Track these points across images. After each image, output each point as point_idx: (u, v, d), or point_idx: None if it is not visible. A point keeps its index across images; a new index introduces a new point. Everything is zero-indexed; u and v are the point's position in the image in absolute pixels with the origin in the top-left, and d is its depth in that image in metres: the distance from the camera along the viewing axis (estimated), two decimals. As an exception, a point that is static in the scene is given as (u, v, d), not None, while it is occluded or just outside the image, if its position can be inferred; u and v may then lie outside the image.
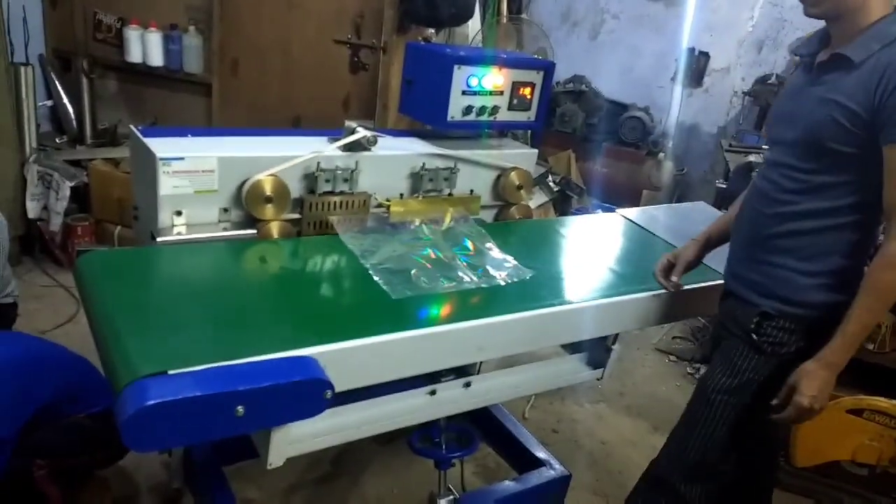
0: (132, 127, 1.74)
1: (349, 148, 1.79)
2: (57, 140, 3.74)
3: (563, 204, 4.04)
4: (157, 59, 3.66)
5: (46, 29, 3.75)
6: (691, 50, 4.10)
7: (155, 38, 3.62)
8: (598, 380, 2.03)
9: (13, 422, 1.59)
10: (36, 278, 3.29)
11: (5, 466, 1.55)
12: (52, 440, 1.71)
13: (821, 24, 1.46)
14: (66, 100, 3.77)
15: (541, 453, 2.07)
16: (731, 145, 3.41)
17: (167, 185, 1.58)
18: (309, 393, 1.19)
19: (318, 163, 1.73)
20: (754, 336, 1.51)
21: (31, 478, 1.68)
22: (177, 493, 2.14)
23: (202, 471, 1.91)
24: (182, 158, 1.58)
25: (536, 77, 2.02)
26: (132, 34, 3.61)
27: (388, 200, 1.85)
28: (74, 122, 3.79)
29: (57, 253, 3.41)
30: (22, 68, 3.25)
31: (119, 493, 2.06)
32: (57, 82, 3.75)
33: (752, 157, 2.91)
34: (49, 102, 3.77)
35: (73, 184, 3.31)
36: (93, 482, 1.96)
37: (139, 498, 2.13)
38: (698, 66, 4.12)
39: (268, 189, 1.66)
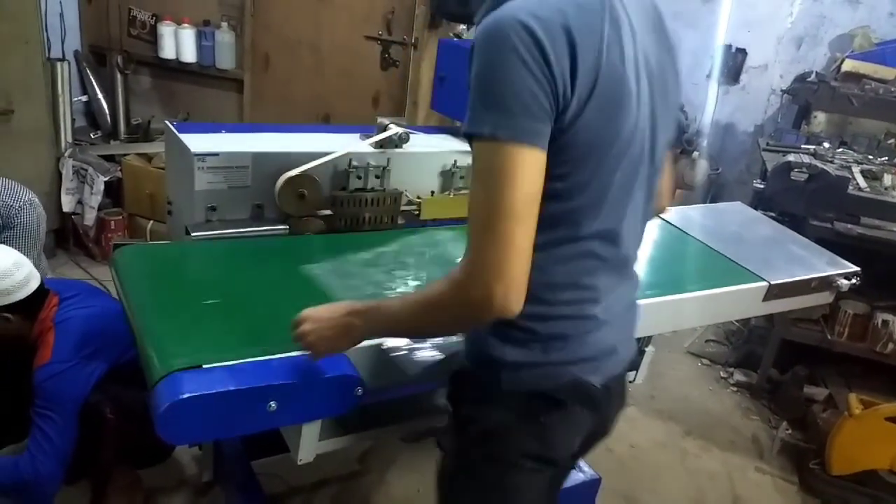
0: (167, 122, 1.75)
1: (381, 145, 1.78)
2: (91, 135, 3.80)
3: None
4: (189, 55, 3.70)
5: (82, 25, 3.81)
6: (728, 46, 4.02)
7: (188, 35, 3.65)
8: (630, 382, 1.99)
9: (111, 355, 1.71)
10: (70, 271, 3.34)
11: (90, 389, 1.68)
12: (127, 397, 1.74)
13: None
14: (100, 95, 3.82)
15: (569, 454, 2.04)
16: (768, 144, 3.33)
17: (202, 180, 1.59)
18: (340, 389, 1.19)
19: (350, 160, 1.72)
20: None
21: (101, 419, 1.74)
22: (207, 486, 2.16)
23: (231, 465, 1.92)
24: (216, 154, 1.59)
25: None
26: (166, 30, 3.65)
27: (419, 198, 1.84)
28: (108, 118, 3.84)
29: (91, 246, 3.46)
30: (58, 64, 3.30)
31: (150, 486, 2.09)
32: (92, 78, 3.81)
33: (790, 157, 2.84)
34: (84, 98, 3.83)
35: (106, 178, 3.35)
36: (125, 475, 1.98)
37: (170, 491, 2.15)
38: (735, 63, 4.03)
39: (300, 186, 1.66)
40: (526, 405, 1.04)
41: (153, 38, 3.73)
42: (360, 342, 1.14)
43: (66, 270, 3.35)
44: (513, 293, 0.90)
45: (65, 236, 3.51)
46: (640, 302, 1.59)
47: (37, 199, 2.29)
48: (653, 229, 2.11)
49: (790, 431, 2.79)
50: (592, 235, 1.01)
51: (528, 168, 0.89)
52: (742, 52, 4.05)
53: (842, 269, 1.94)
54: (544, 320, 1.01)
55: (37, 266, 2.27)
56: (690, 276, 1.79)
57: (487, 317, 0.93)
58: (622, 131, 0.96)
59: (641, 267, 1.82)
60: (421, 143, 1.88)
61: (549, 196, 0.94)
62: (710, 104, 4.12)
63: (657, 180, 1.12)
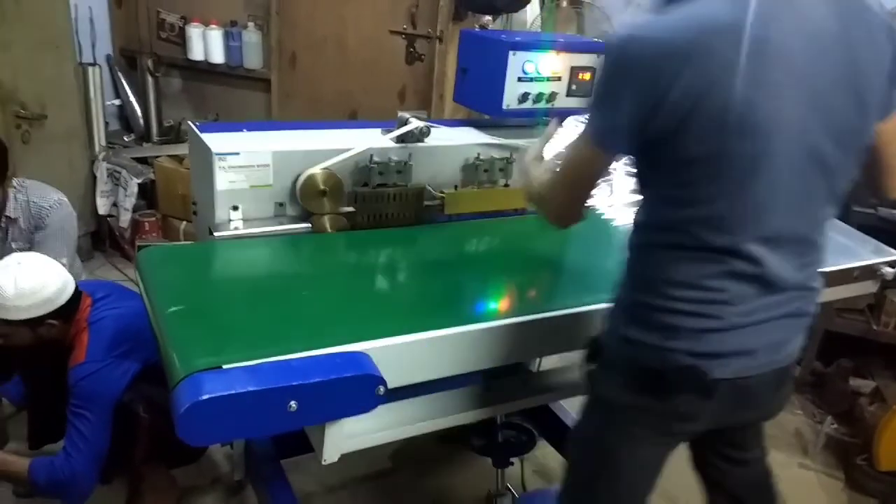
0: (190, 123, 1.75)
1: (402, 139, 1.75)
2: (125, 138, 3.87)
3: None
4: (218, 56, 3.73)
5: (113, 29, 3.87)
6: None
7: (216, 36, 3.68)
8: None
9: (143, 354, 1.73)
10: (106, 273, 3.41)
11: (123, 389, 1.71)
12: (160, 396, 1.76)
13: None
14: (132, 98, 3.88)
15: (603, 453, 1.99)
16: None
17: (223, 180, 1.58)
18: (361, 389, 1.17)
19: (372, 155, 1.70)
20: None
21: (135, 418, 1.76)
22: (239, 484, 2.17)
23: (261, 464, 1.93)
24: (237, 153, 1.58)
25: (597, 61, 1.94)
26: (194, 32, 3.68)
27: (442, 192, 1.81)
28: (141, 120, 3.90)
29: (126, 248, 3.53)
30: (90, 69, 3.36)
31: (184, 485, 2.11)
32: (124, 81, 3.87)
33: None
34: (117, 101, 3.90)
35: (140, 180, 3.41)
36: (159, 474, 2.01)
37: (203, 489, 2.17)
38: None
39: (321, 183, 1.64)
40: (641, 381, 1.16)
41: (182, 41, 3.77)
42: None
43: (102, 272, 3.41)
44: (556, 219, 1.26)
45: (101, 238, 3.58)
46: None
47: (66, 199, 2.32)
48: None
49: (835, 426, 2.69)
50: (719, 249, 1.07)
51: (589, 160, 1.13)
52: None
53: (887, 258, 1.86)
54: (661, 311, 1.12)
55: (71, 266, 2.32)
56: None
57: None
58: (742, 157, 1.01)
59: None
60: (443, 136, 1.84)
61: (665, 199, 1.10)
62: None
63: (823, 208, 1.15)
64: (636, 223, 1.18)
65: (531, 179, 1.33)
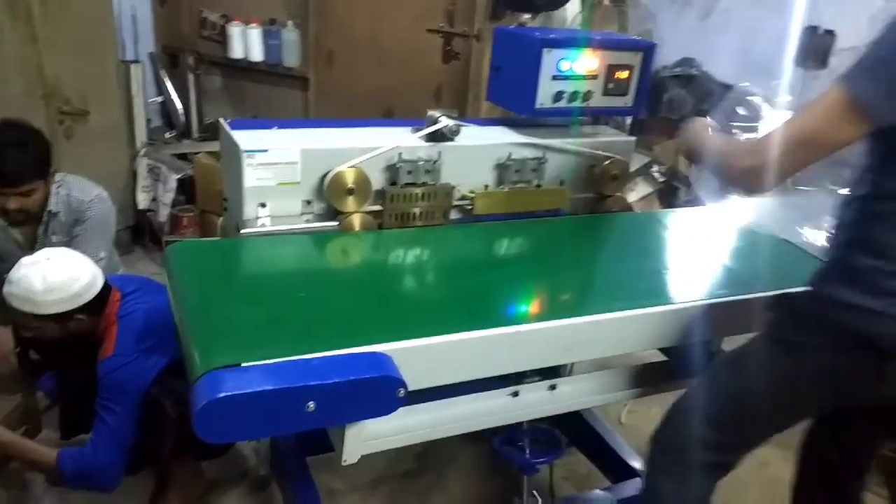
0: (221, 120, 1.76)
1: (432, 138, 1.73)
2: (167, 134, 3.93)
3: (670, 196, 3.80)
4: (257, 54, 3.74)
5: (156, 27, 3.93)
6: (813, 28, 3.75)
7: (255, 34, 3.70)
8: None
9: (171, 349, 1.69)
10: (146, 266, 3.47)
11: (151, 382, 1.71)
12: (187, 391, 1.77)
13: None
14: (174, 95, 3.94)
15: (636, 463, 1.94)
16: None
17: (251, 177, 1.58)
18: (381, 391, 1.15)
19: (400, 153, 1.68)
20: None
21: (162, 411, 1.76)
22: (265, 479, 2.18)
23: (285, 460, 1.93)
24: (265, 150, 1.58)
25: (635, 59, 1.88)
26: (235, 30, 3.71)
27: (472, 192, 1.77)
28: (183, 117, 3.96)
29: (165, 242, 3.58)
30: (132, 66, 3.42)
31: (211, 477, 2.12)
32: (166, 79, 3.93)
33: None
34: (159, 98, 3.96)
35: (179, 176, 3.46)
36: (186, 467, 2.02)
37: (230, 483, 2.19)
38: (823, 45, 3.76)
39: (349, 181, 1.63)
40: (842, 340, 1.21)
41: (223, 39, 3.80)
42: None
43: (142, 266, 3.48)
44: (755, 181, 1.24)
45: (141, 232, 3.65)
46: (709, 302, 1.50)
47: (106, 194, 2.36)
48: (725, 222, 1.98)
49: (882, 442, 2.57)
50: None
51: (838, 125, 1.13)
52: (830, 34, 3.78)
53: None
54: (886, 275, 1.16)
55: (110, 259, 2.36)
56: (765, 274, 1.66)
57: (737, 186, 1.35)
58: None
59: (715, 265, 1.71)
60: (474, 135, 1.81)
61: None
62: (790, 90, 3.87)
63: None
64: (866, 194, 1.21)
65: (712, 145, 1.42)
